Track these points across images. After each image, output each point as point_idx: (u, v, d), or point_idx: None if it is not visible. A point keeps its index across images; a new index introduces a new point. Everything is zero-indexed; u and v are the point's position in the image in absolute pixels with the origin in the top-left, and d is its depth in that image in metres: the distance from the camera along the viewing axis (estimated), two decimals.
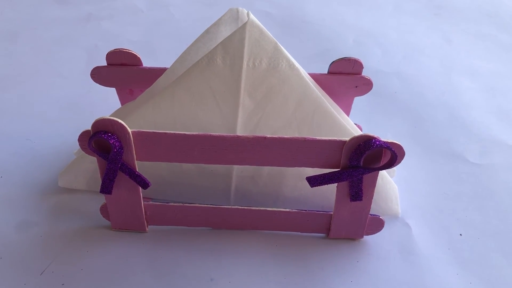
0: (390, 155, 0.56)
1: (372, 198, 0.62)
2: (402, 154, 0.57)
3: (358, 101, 0.76)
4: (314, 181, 0.59)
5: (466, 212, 0.71)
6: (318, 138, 0.56)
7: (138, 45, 0.98)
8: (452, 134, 0.85)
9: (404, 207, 0.70)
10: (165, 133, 0.56)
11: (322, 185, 0.59)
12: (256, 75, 0.60)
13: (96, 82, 0.70)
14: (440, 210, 0.71)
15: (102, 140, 0.56)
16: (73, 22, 1.11)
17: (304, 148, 0.57)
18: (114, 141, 0.55)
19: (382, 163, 0.58)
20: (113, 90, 0.74)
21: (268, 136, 0.56)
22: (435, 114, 0.89)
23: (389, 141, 0.56)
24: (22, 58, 1.00)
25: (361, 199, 0.61)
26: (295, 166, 0.59)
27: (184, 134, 0.56)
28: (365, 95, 0.73)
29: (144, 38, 1.06)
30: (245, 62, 0.60)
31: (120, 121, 0.55)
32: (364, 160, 0.57)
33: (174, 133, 0.56)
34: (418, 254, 0.64)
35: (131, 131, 0.55)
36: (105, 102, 0.80)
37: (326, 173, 0.58)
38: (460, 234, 0.67)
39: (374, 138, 0.55)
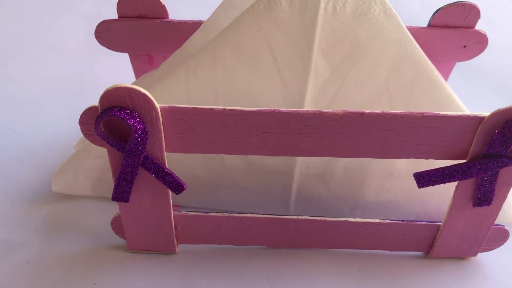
0: None
1: (504, 201, 0.45)
2: None
3: None
4: (426, 179, 0.42)
5: None
6: (443, 113, 0.39)
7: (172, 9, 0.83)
8: None
9: None
10: (211, 109, 0.38)
11: (436, 184, 0.42)
12: (337, 24, 0.43)
13: (103, 45, 0.53)
14: None
15: (115, 122, 0.39)
16: None
17: (420, 129, 0.39)
18: (135, 122, 0.37)
19: None
20: (124, 64, 0.58)
21: (367, 111, 0.38)
22: None
23: None
24: (5, 28, 0.87)
25: (490, 204, 0.44)
26: (400, 157, 0.42)
27: (240, 110, 0.38)
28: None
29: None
30: (322, 5, 0.43)
31: (144, 91, 0.37)
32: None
33: (225, 109, 0.38)
34: None
35: (160, 107, 0.38)
36: (113, 81, 0.63)
37: (446, 166, 0.41)
38: None
39: None
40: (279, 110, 0.38)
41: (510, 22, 0.90)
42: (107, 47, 0.53)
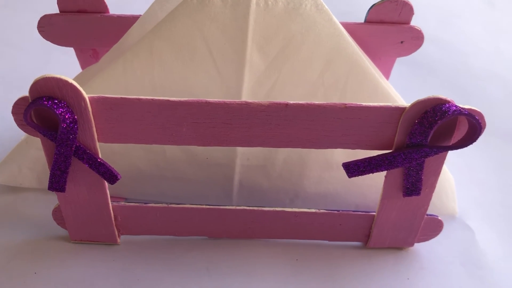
0: (468, 127, 0.40)
1: (433, 191, 0.46)
2: (484, 125, 0.41)
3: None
4: (354, 169, 0.43)
5: None
6: (364, 104, 0.39)
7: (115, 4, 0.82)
8: (510, 112, 0.71)
9: (461, 204, 0.57)
10: (139, 99, 0.39)
11: (365, 174, 0.43)
12: (270, 19, 0.44)
13: (47, 39, 0.53)
14: (509, 206, 0.58)
15: (47, 111, 0.39)
16: None
17: (343, 119, 0.40)
18: (63, 111, 0.38)
19: (453, 140, 0.41)
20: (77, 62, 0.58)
21: (291, 102, 0.39)
22: (486, 88, 0.76)
23: (466, 107, 0.39)
24: None
25: (419, 193, 0.45)
26: (327, 147, 0.43)
27: (168, 100, 0.39)
28: (397, 63, 0.57)
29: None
30: (254, 0, 0.44)
31: (71, 81, 0.38)
32: (431, 136, 0.40)
33: (153, 99, 0.39)
34: (486, 267, 0.51)
35: (89, 97, 0.39)
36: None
37: (373, 156, 0.42)
38: None
39: (448, 102, 0.39)
40: (207, 100, 0.39)
41: (460, 20, 0.91)
42: (51, 41, 0.53)
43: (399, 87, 0.66)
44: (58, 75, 0.37)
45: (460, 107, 0.38)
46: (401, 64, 0.63)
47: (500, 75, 0.77)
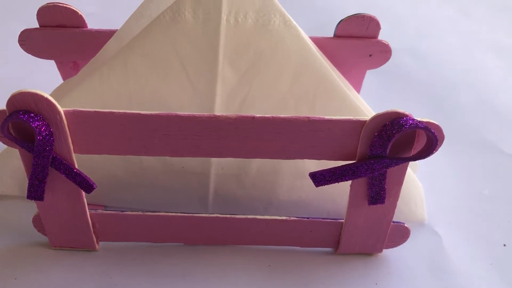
0: (426, 140, 0.41)
1: (397, 200, 0.48)
2: (442, 138, 0.42)
3: (366, 81, 0.62)
4: (320, 178, 0.44)
5: (508, 215, 0.59)
6: (327, 117, 0.41)
7: (96, 19, 0.83)
8: (481, 121, 0.73)
9: (430, 211, 0.58)
10: (112, 112, 0.41)
11: (331, 183, 0.45)
12: (240, 35, 0.46)
13: (28, 52, 0.55)
14: (476, 213, 0.59)
15: (24, 124, 0.41)
16: None
17: (307, 131, 0.42)
18: (38, 124, 0.39)
19: (413, 151, 0.43)
20: None
21: (258, 115, 0.41)
22: (459, 97, 0.77)
23: (424, 120, 0.41)
24: None
25: (383, 202, 0.47)
26: (294, 158, 0.44)
27: (139, 113, 0.41)
28: (374, 74, 0.59)
29: (104, 11, 0.90)
30: (224, 17, 0.45)
31: (46, 95, 0.39)
32: (390, 148, 0.41)
33: (125, 113, 0.41)
34: (452, 271, 0.53)
35: (63, 111, 0.40)
36: (52, 87, 0.64)
37: (337, 166, 0.44)
38: (504, 245, 0.56)
39: (406, 115, 0.40)
40: (177, 114, 0.41)
41: (436, 30, 0.93)
42: (32, 55, 0.54)
43: (375, 98, 0.68)
44: (34, 90, 0.39)
45: (417, 121, 0.40)
46: (377, 74, 0.65)
47: (473, 85, 0.79)
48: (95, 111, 0.40)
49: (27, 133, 0.41)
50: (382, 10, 0.96)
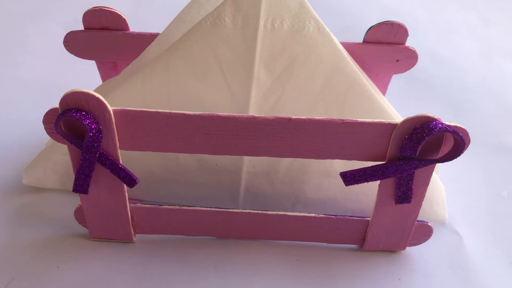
0: (454, 143, 0.43)
1: (422, 199, 0.49)
2: (468, 141, 0.44)
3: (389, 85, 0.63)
4: (350, 177, 0.46)
5: None
6: (360, 120, 0.43)
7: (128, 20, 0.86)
8: (500, 125, 0.74)
9: (451, 211, 0.61)
10: (158, 112, 0.43)
11: (360, 182, 0.47)
12: (276, 40, 0.48)
13: (71, 53, 0.57)
14: (495, 214, 0.61)
15: (74, 122, 0.43)
16: None
17: (340, 133, 0.44)
18: (89, 122, 0.42)
19: (441, 154, 0.45)
20: (94, 70, 0.61)
21: (294, 117, 0.43)
22: (478, 102, 0.79)
23: (452, 124, 0.43)
24: None
25: (409, 201, 0.49)
26: (326, 158, 0.46)
27: (184, 113, 0.43)
28: (396, 78, 0.60)
29: (135, 11, 0.93)
30: (261, 23, 0.47)
31: (97, 95, 0.42)
32: (420, 150, 0.44)
33: (170, 113, 0.43)
34: (472, 269, 0.55)
35: (113, 110, 0.43)
36: (86, 85, 0.66)
37: (368, 167, 0.46)
38: None
39: (435, 119, 0.42)
40: (218, 114, 0.43)
41: (456, 36, 0.95)
42: (75, 55, 0.57)
43: (397, 101, 0.70)
44: (86, 90, 0.42)
45: (446, 125, 0.42)
46: (399, 78, 0.67)
47: (492, 89, 0.80)
48: (142, 110, 0.43)
49: (74, 130, 0.43)
50: (403, 16, 0.98)
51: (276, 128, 0.44)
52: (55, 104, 0.44)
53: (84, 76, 0.69)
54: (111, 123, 0.43)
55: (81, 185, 0.46)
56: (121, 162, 0.46)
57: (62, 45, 0.57)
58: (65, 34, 0.56)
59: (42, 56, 0.83)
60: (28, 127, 0.67)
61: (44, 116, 0.44)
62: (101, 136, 0.43)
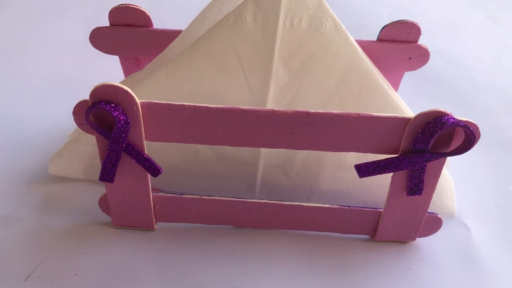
0: (465, 137, 0.45)
1: (433, 192, 0.51)
2: (479, 135, 0.46)
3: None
4: (364, 170, 0.48)
5: None
6: (375, 114, 0.45)
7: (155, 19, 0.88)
8: (508, 122, 0.76)
9: (460, 205, 0.62)
10: (183, 105, 0.45)
11: (374, 174, 0.48)
12: (294, 37, 0.50)
13: (96, 48, 0.59)
14: (503, 208, 0.63)
15: (103, 113, 0.45)
16: None
17: (356, 126, 0.46)
18: (118, 114, 0.44)
19: (451, 148, 0.47)
20: (117, 66, 0.64)
21: (312, 111, 0.45)
22: (487, 100, 0.80)
23: (463, 119, 0.45)
24: (9, 29, 0.91)
25: (421, 193, 0.50)
26: (341, 151, 0.48)
27: (207, 106, 0.45)
28: (407, 75, 0.62)
29: (156, 8, 0.95)
30: (281, 21, 0.49)
31: (126, 88, 0.44)
32: (432, 144, 0.46)
33: (194, 106, 0.45)
34: (480, 260, 0.56)
35: (140, 102, 0.45)
36: (106, 79, 0.69)
37: (382, 159, 0.48)
38: None
39: (447, 114, 0.44)
40: (239, 107, 0.45)
41: (466, 35, 0.96)
42: (100, 50, 0.59)
43: (408, 98, 0.72)
44: (115, 83, 0.44)
45: (457, 119, 0.44)
46: (410, 76, 0.69)
47: (500, 87, 0.82)
48: (168, 103, 0.45)
49: (102, 121, 0.46)
50: (414, 14, 1.00)
51: (294, 121, 0.46)
52: (78, 97, 0.46)
53: (105, 70, 0.71)
54: (138, 115, 0.45)
55: (107, 174, 0.49)
56: (146, 152, 0.48)
57: (83, 41, 0.59)
58: (86, 31, 0.58)
59: (65, 52, 0.85)
60: (51, 119, 0.70)
61: (74, 108, 0.46)
62: (129, 127, 0.46)
